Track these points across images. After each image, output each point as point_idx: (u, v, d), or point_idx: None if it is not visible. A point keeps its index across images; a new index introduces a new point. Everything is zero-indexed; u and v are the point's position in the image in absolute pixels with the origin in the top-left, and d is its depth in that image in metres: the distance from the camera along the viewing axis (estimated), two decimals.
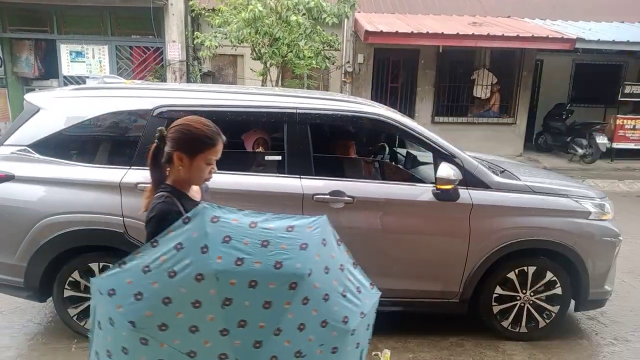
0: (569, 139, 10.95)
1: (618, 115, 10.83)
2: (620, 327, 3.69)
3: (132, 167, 3.04)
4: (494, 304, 3.33)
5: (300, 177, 3.10)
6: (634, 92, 10.68)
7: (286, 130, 3.15)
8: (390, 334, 3.40)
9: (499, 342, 3.38)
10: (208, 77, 11.04)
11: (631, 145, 10.89)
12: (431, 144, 3.23)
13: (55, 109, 3.14)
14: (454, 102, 11.27)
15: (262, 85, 8.68)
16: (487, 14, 11.68)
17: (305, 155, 3.14)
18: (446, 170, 3.02)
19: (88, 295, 3.12)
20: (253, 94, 3.50)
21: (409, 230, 3.20)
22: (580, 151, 10.61)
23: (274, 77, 9.02)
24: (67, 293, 3.11)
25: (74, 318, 3.15)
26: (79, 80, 10.02)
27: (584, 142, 10.57)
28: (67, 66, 10.04)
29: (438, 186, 3.09)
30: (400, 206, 3.18)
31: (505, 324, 3.37)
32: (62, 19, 10.15)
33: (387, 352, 3.14)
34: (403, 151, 4.37)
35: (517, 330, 3.38)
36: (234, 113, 3.23)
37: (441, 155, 3.19)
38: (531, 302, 3.34)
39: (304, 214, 3.02)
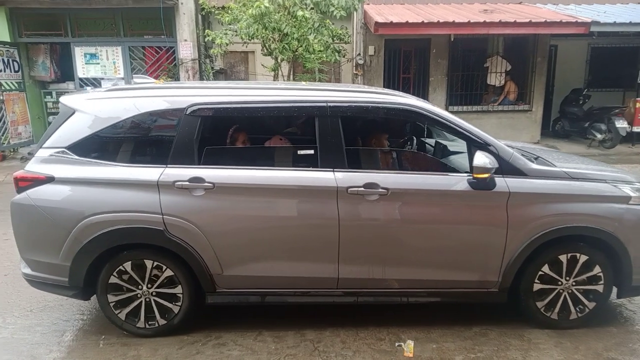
0: (587, 124, 10.77)
1: (638, 99, 10.61)
2: None
3: (169, 166, 3.08)
4: (534, 292, 3.29)
5: (333, 171, 3.11)
6: None
7: (318, 123, 3.15)
8: (413, 325, 3.40)
9: (524, 330, 3.35)
10: (220, 74, 11.09)
11: None
12: (465, 132, 3.21)
13: (90, 110, 3.19)
14: (468, 91, 11.16)
15: (274, 80, 8.69)
16: (498, 1, 11.51)
17: (338, 148, 3.14)
18: (482, 158, 3.01)
19: (130, 292, 3.20)
20: (283, 89, 3.51)
21: (445, 221, 3.18)
22: (599, 136, 10.44)
23: (285, 72, 9.03)
24: (110, 290, 3.18)
25: (118, 314, 3.22)
26: (94, 82, 10.17)
27: (603, 127, 10.40)
28: (82, 68, 10.19)
29: (475, 175, 3.07)
30: (436, 196, 3.16)
31: (547, 312, 3.33)
32: (75, 22, 10.29)
33: (410, 343, 3.15)
34: (431, 141, 4.35)
35: (559, 319, 3.34)
36: (265, 109, 3.25)
37: (475, 144, 3.17)
38: (573, 290, 3.31)
39: (339, 208, 3.05)
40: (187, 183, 3.03)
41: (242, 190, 3.08)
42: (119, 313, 3.21)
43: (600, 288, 3.30)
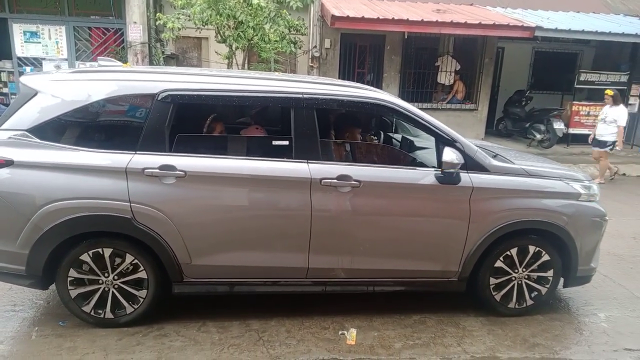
0: (527, 125, 11.34)
1: (574, 102, 11.29)
2: (572, 302, 3.92)
3: (138, 152, 2.99)
4: (491, 282, 3.48)
5: (307, 162, 3.13)
6: (589, 79, 11.15)
7: (293, 115, 3.16)
8: (356, 313, 3.49)
9: (459, 318, 3.53)
10: (171, 59, 10.77)
11: (586, 131, 11.33)
12: (434, 129, 3.33)
13: (55, 92, 3.03)
14: (419, 88, 11.43)
15: (228, 68, 8.54)
16: (451, 1, 11.84)
17: (312, 140, 3.17)
18: (450, 154, 3.14)
19: (93, 275, 3.09)
20: (259, 78, 3.49)
21: (413, 213, 3.30)
22: (538, 136, 11.02)
23: (239, 61, 8.90)
24: (72, 279, 3.05)
25: (77, 304, 3.10)
26: (34, 62, 9.60)
27: (542, 127, 10.98)
28: (21, 47, 9.58)
29: (443, 170, 3.19)
30: (405, 189, 3.26)
31: (501, 300, 3.54)
32: None
33: (353, 331, 3.24)
34: (397, 136, 4.46)
35: (510, 305, 3.56)
36: (240, 98, 3.22)
37: (443, 140, 3.30)
38: (525, 279, 3.53)
39: (312, 199, 3.08)
40: (157, 170, 2.96)
41: (215, 179, 3.05)
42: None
43: (550, 278, 3.55)
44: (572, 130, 11.25)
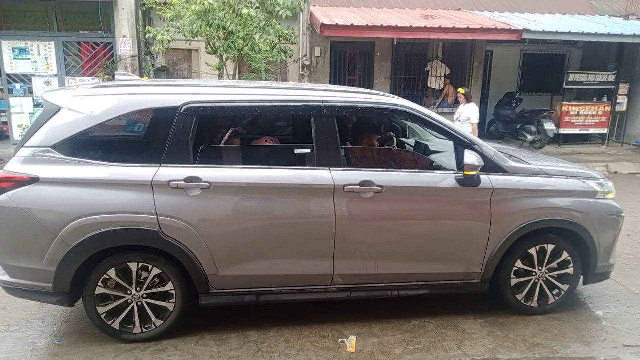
0: (519, 127, 11.43)
1: (564, 103, 11.40)
2: (570, 301, 3.89)
3: (163, 165, 2.99)
4: (512, 282, 3.51)
5: (330, 169, 3.15)
6: (577, 80, 11.28)
7: (314, 123, 3.18)
8: (355, 320, 3.47)
9: (459, 322, 3.52)
10: (162, 72, 10.78)
11: (576, 131, 11.52)
12: (453, 132, 3.37)
13: (78, 108, 3.03)
14: (410, 94, 11.50)
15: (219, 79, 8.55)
16: (439, 7, 11.96)
17: (334, 147, 3.19)
18: (471, 157, 3.18)
19: (120, 294, 3.08)
20: (279, 88, 3.52)
21: (436, 216, 3.31)
22: (530, 137, 11.10)
23: (230, 72, 8.91)
24: (99, 293, 3.04)
25: (104, 318, 3.08)
26: (24, 78, 9.58)
27: (533, 128, 11.07)
28: (10, 64, 9.56)
29: (465, 172, 3.22)
30: (427, 193, 3.29)
31: (521, 299, 3.57)
32: (2, 14, 9.62)
33: (352, 339, 3.22)
34: (410, 141, 4.48)
35: (530, 304, 3.59)
36: (262, 108, 3.26)
37: (462, 144, 3.33)
38: (545, 278, 3.56)
39: (336, 205, 3.10)
40: (183, 183, 2.97)
41: (240, 189, 3.06)
42: (104, 316, 3.07)
43: (570, 276, 3.59)
44: (563, 131, 11.36)
